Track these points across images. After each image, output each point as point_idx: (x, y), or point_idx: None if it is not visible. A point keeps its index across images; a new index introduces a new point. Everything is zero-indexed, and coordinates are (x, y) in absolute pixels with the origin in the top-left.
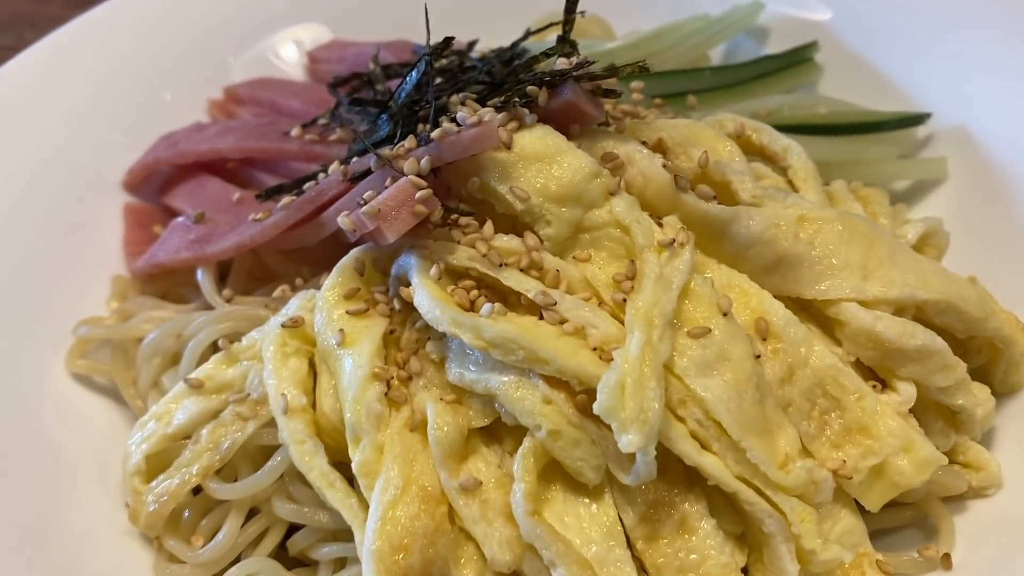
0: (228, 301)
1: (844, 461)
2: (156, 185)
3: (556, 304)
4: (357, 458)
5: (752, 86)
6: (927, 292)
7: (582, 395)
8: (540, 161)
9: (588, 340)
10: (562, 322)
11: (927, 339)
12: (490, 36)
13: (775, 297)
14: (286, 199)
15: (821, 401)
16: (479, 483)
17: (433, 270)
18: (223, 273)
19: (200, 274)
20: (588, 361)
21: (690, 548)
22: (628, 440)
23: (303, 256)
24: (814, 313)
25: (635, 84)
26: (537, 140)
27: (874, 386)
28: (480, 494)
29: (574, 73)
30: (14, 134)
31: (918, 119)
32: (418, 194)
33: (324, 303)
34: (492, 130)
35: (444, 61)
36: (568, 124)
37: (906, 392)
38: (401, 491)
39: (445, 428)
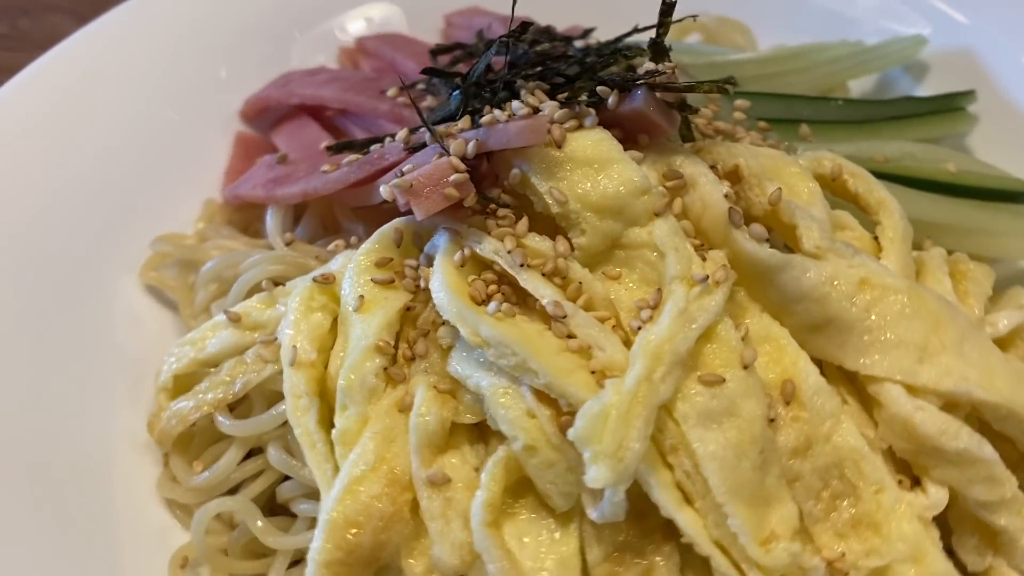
0: (288, 244)
1: (844, 554)
2: (270, 120)
3: (566, 317)
4: (340, 425)
5: (882, 127)
6: (987, 392)
7: (568, 416)
8: (588, 166)
9: (591, 362)
10: (570, 337)
11: (972, 444)
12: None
13: (817, 360)
14: (351, 157)
15: (835, 484)
16: (448, 480)
17: (458, 255)
18: (299, 216)
19: (269, 213)
20: (581, 383)
21: None
22: (595, 474)
23: (368, 215)
24: (859, 387)
25: (739, 102)
26: (590, 144)
27: (900, 481)
28: (446, 491)
29: (647, 81)
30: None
31: None
32: (452, 177)
33: (355, 266)
34: (539, 125)
35: (541, 46)
36: (637, 132)
37: (935, 496)
38: (370, 468)
39: (428, 416)
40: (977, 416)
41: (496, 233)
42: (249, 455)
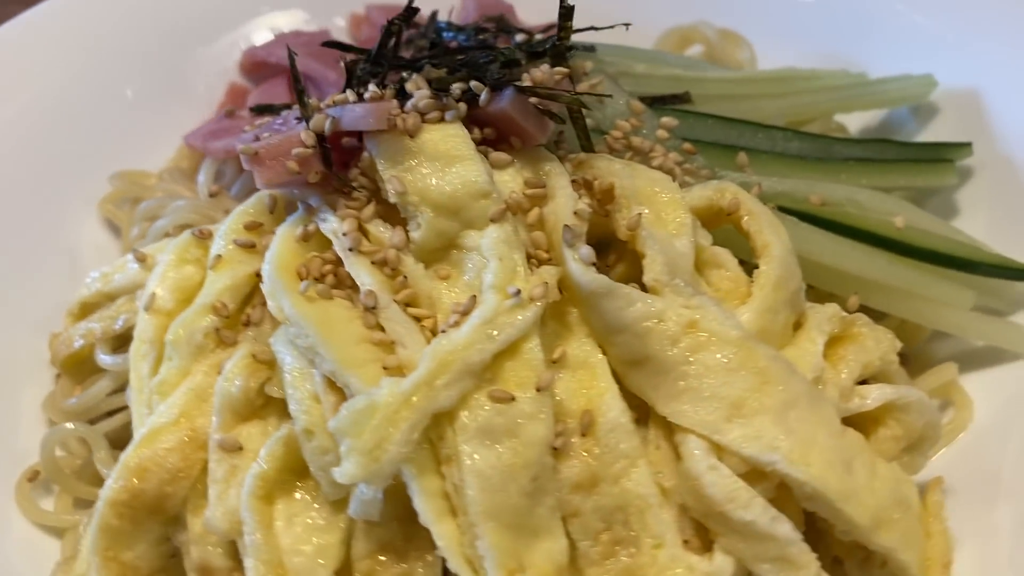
0: (212, 195)
1: None
2: (264, 75)
3: (376, 308)
4: (159, 375)
5: (844, 168)
6: (794, 467)
7: None
8: (436, 160)
9: (389, 358)
10: (379, 328)
11: (762, 518)
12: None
13: (638, 395)
14: (259, 121)
15: (618, 529)
16: (239, 447)
17: (300, 229)
18: None
19: (204, 164)
20: (366, 376)
21: None
22: (344, 469)
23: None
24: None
25: (665, 120)
26: (441, 138)
27: (687, 541)
28: (235, 458)
29: (515, 83)
30: None
31: None
32: (295, 150)
33: (226, 226)
34: (382, 110)
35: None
36: (508, 135)
37: (719, 564)
38: (172, 422)
39: (235, 382)
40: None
41: (341, 213)
42: None
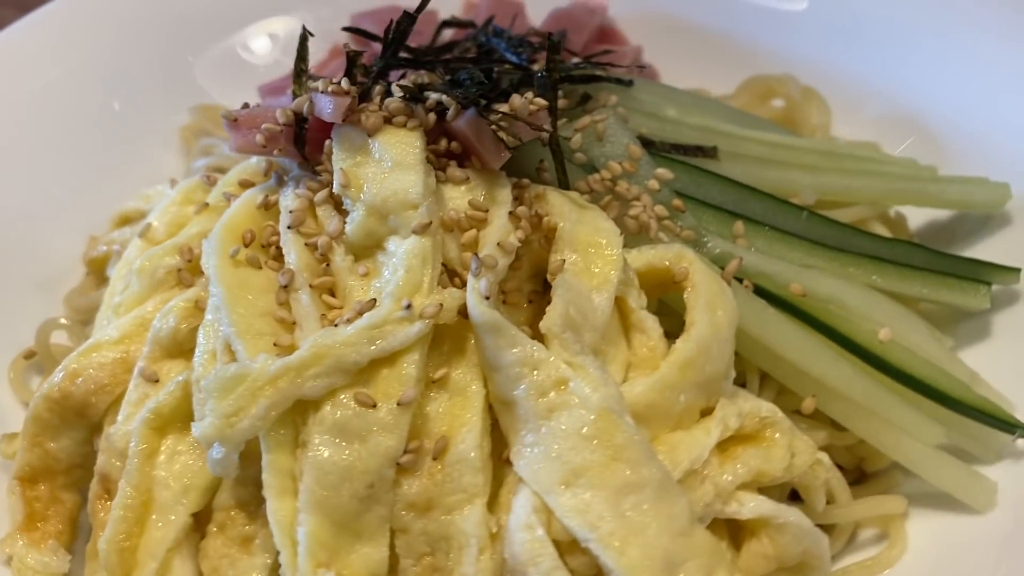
0: None
1: None
2: None
3: (287, 287)
4: (118, 295)
5: (853, 263)
6: (607, 553)
7: None
8: (383, 162)
9: (283, 337)
10: (287, 307)
11: None
12: None
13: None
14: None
15: (440, 557)
16: (156, 380)
17: (262, 197)
18: None
19: None
20: (253, 347)
21: (231, 559)
22: (201, 426)
23: None
24: None
25: (660, 171)
26: (394, 143)
27: None
28: (148, 388)
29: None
30: None
31: (1013, 428)
32: (265, 125)
33: (225, 179)
34: (339, 105)
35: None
36: (469, 153)
37: None
38: (112, 341)
39: (168, 320)
40: None
41: (299, 192)
42: None
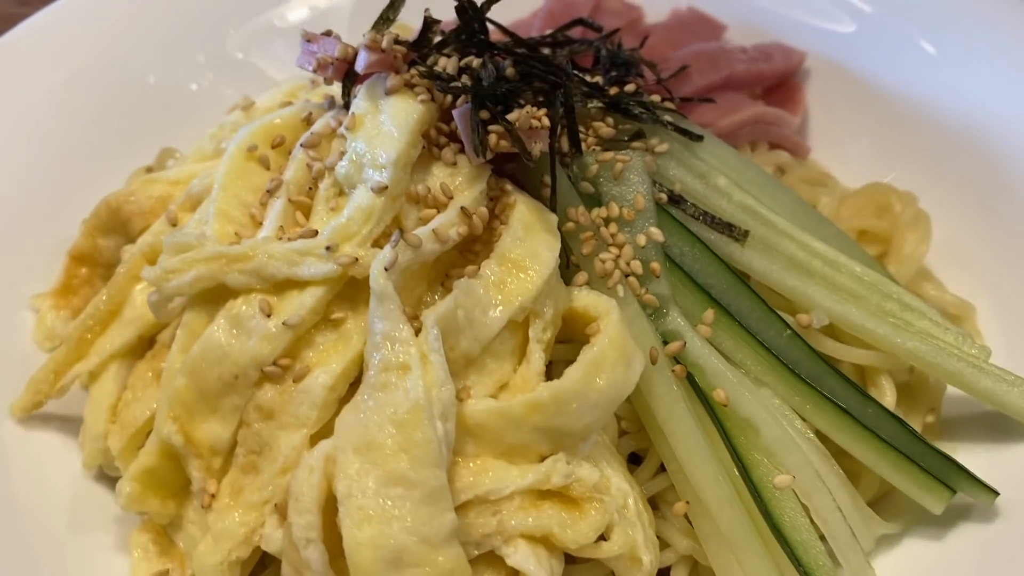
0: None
1: (215, 494)
2: None
3: (271, 192)
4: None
5: (817, 407)
6: (346, 522)
7: None
8: (384, 121)
9: (247, 231)
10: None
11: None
12: None
13: None
14: None
15: (260, 459)
16: (175, 225)
17: (307, 113)
18: None
19: None
20: (220, 228)
21: (143, 385)
22: (150, 271)
23: None
24: None
25: (653, 231)
26: (398, 107)
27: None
28: (165, 228)
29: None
30: None
31: None
32: (321, 53)
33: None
34: (367, 61)
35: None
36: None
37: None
38: (171, 179)
39: (204, 182)
40: None
41: (331, 115)
42: None
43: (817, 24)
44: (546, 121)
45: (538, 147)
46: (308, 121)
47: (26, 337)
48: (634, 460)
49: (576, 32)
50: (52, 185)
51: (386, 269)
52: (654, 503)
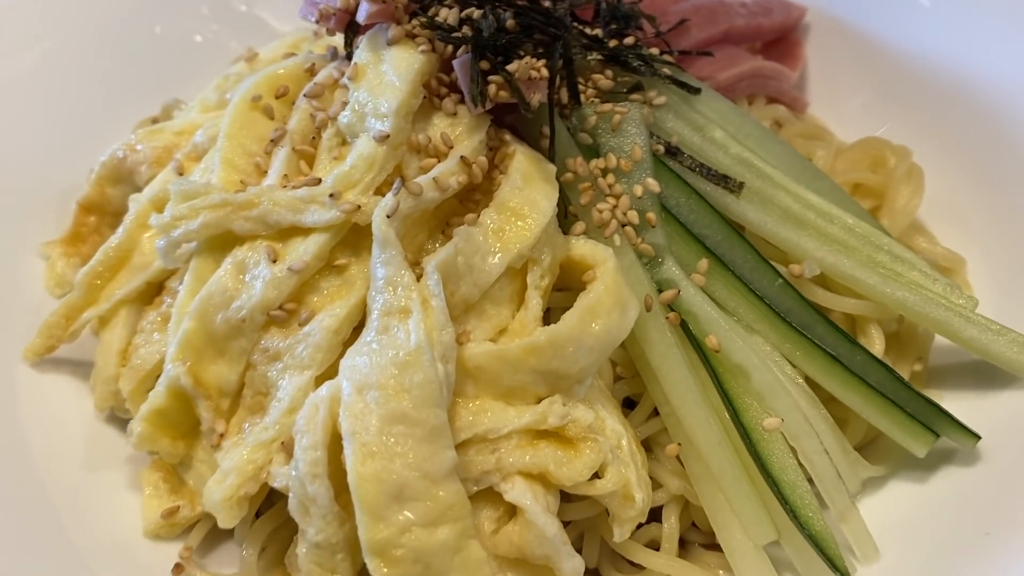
0: None
1: (224, 434)
2: None
3: (275, 142)
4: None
5: (806, 353)
6: (352, 458)
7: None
8: (386, 71)
9: (252, 179)
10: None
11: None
12: None
13: None
14: None
15: (267, 400)
16: (181, 174)
17: (310, 64)
18: None
19: None
20: (226, 176)
21: (154, 329)
22: (159, 218)
23: None
24: None
25: (650, 181)
26: (400, 58)
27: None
28: (170, 176)
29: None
30: None
31: None
32: (323, 3)
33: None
34: (368, 12)
35: None
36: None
37: None
38: (176, 129)
39: (209, 131)
40: None
41: (334, 66)
42: None
43: None
44: (545, 72)
45: (537, 98)
46: (311, 71)
47: (37, 283)
48: (628, 405)
49: None
50: (60, 135)
51: (388, 216)
52: (647, 445)
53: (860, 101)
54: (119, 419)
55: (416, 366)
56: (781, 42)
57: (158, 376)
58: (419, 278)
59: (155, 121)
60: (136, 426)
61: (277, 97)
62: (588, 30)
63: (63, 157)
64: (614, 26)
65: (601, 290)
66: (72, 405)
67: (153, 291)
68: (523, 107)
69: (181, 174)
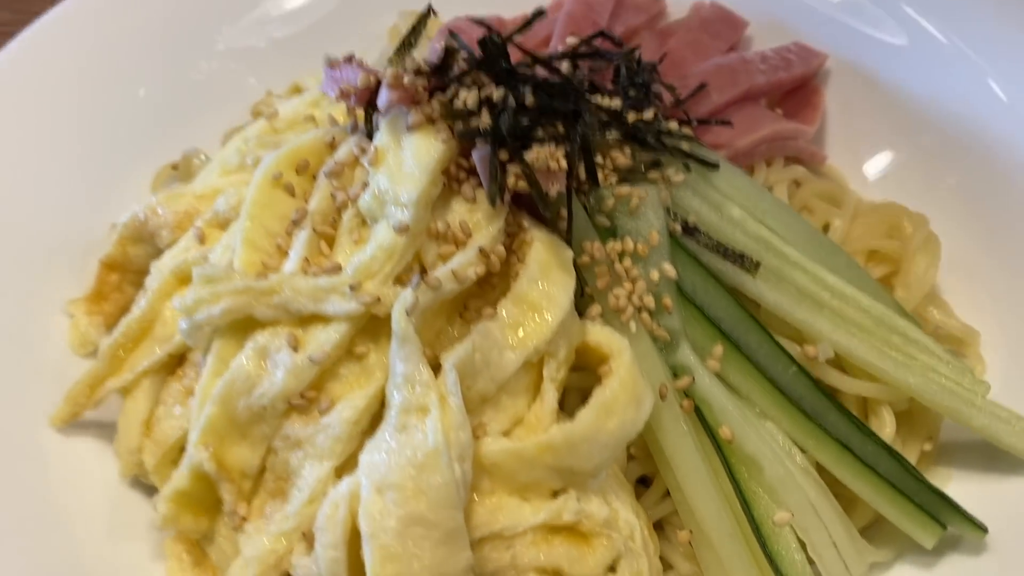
0: None
1: (247, 516)
2: None
3: (297, 223)
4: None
5: (818, 441)
6: (371, 558)
7: None
8: (406, 158)
9: (273, 261)
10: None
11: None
12: None
13: None
14: None
15: (287, 485)
16: (202, 242)
17: (331, 137)
18: None
19: None
20: (248, 258)
21: (175, 401)
22: (181, 300)
23: None
24: None
25: (666, 267)
26: (420, 146)
27: None
28: (191, 244)
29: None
30: None
31: None
32: (343, 82)
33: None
34: (388, 99)
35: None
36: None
37: None
38: (198, 193)
39: (230, 200)
40: None
41: (354, 143)
42: None
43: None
44: (563, 164)
45: (555, 189)
46: (332, 145)
47: (61, 341)
48: (642, 480)
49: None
50: (78, 186)
51: (408, 313)
52: (659, 525)
53: (879, 148)
54: (143, 483)
55: (434, 468)
56: (800, 90)
57: (181, 449)
58: (437, 370)
59: (175, 168)
60: (161, 506)
61: (298, 172)
62: (607, 100)
63: (83, 208)
64: (632, 93)
65: (617, 387)
66: (97, 468)
67: (175, 362)
68: (540, 202)
69: (202, 242)
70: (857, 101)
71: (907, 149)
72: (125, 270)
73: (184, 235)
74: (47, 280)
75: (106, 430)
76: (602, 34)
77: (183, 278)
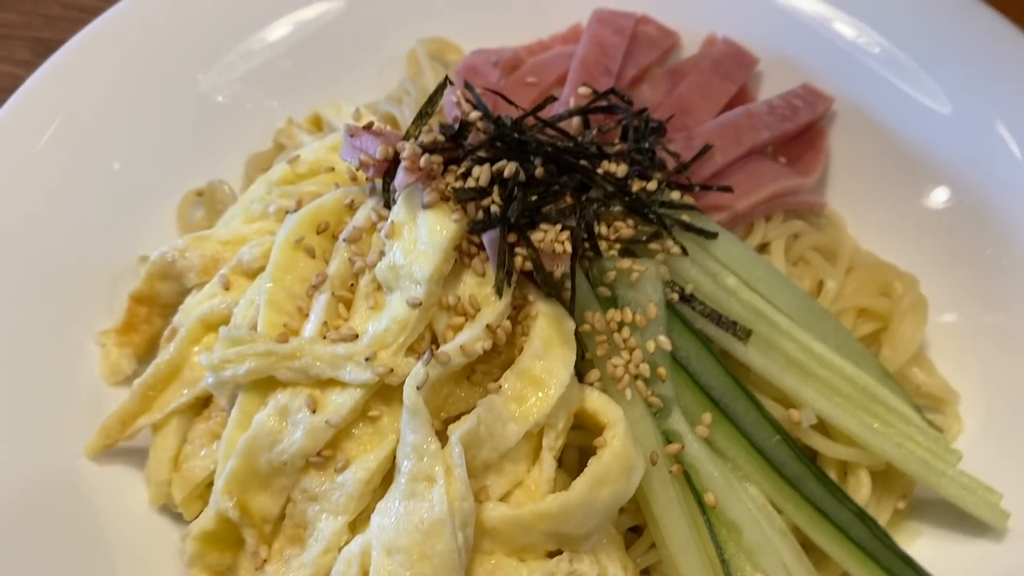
0: None
1: (268, 558)
2: None
3: (317, 287)
4: (253, 206)
5: (797, 507)
6: None
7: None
8: (420, 234)
9: (294, 323)
10: (309, 301)
11: None
12: None
13: None
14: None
15: (305, 534)
16: (227, 288)
17: (350, 199)
18: None
19: None
20: (270, 320)
21: (203, 443)
22: (208, 357)
23: None
24: None
25: (662, 339)
26: (433, 223)
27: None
28: (217, 290)
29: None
30: None
31: None
32: (362, 152)
33: None
34: (403, 180)
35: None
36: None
37: None
38: (224, 239)
39: (255, 250)
40: None
41: (373, 209)
42: None
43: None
44: (568, 247)
45: (560, 271)
46: (351, 207)
47: (93, 369)
48: (633, 528)
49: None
50: (104, 213)
51: (418, 388)
52: (647, 572)
53: (880, 193)
54: (170, 510)
55: (439, 536)
56: (804, 133)
57: (207, 486)
58: (444, 437)
59: (199, 195)
60: (188, 545)
61: (318, 232)
62: (613, 166)
63: (111, 237)
64: (638, 158)
65: (610, 459)
66: (128, 495)
67: (201, 403)
68: (544, 284)
69: (227, 288)
70: (861, 143)
71: (908, 197)
72: (153, 303)
73: (210, 281)
74: (77, 308)
75: (135, 456)
76: (613, 91)
77: (209, 325)
